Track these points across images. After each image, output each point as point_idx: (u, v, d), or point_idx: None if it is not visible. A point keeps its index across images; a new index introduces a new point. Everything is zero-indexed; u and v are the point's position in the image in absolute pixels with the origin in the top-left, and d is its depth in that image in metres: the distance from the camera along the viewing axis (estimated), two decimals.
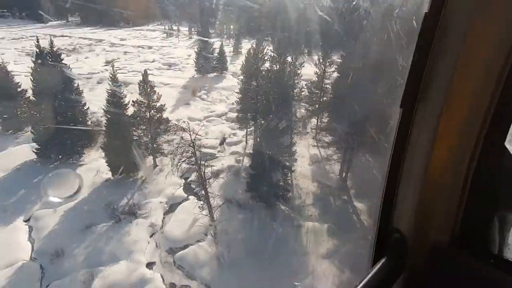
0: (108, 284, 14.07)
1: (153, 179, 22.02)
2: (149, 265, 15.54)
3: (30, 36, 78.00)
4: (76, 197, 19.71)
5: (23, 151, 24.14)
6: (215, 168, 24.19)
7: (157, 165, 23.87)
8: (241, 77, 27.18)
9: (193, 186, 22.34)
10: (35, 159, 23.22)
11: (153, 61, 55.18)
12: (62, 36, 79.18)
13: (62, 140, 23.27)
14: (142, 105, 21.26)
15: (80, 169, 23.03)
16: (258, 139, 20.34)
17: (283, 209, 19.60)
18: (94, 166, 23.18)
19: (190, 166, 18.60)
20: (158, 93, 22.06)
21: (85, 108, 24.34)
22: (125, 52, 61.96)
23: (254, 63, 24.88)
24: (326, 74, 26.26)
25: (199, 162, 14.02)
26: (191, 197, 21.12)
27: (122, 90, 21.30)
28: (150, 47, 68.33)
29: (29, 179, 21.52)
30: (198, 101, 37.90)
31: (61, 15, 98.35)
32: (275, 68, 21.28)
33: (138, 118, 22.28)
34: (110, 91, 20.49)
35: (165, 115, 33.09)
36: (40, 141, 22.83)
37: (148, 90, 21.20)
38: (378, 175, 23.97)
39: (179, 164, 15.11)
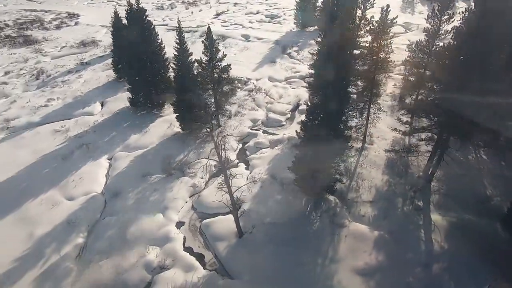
0: (139, 233, 15.60)
1: (210, 139, 22.27)
2: (178, 224, 16.32)
3: None
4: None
5: (125, 97, 28.34)
6: (275, 137, 22.52)
7: (220, 126, 23.97)
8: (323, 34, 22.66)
9: (248, 152, 21.61)
10: (129, 107, 27.04)
11: (257, 13, 53.71)
12: None
13: (148, 92, 25.98)
14: (206, 65, 20.77)
15: (159, 120, 25.56)
16: (321, 112, 17.02)
17: (330, 200, 16.64)
18: (170, 118, 25.19)
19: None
20: (223, 52, 20.96)
21: (166, 63, 25.89)
22: (235, 4, 62.42)
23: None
24: (441, 32, 18.93)
25: (216, 141, 12.70)
26: (241, 164, 20.56)
27: (188, 49, 21.13)
28: None
29: (121, 123, 25.40)
30: (285, 58, 35.09)
31: None
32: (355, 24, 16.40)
33: (206, 78, 22.17)
34: (176, 47, 20.68)
35: (246, 73, 32.34)
36: (132, 92, 26.14)
37: (213, 49, 20.31)
38: (489, 185, 17.08)
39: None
